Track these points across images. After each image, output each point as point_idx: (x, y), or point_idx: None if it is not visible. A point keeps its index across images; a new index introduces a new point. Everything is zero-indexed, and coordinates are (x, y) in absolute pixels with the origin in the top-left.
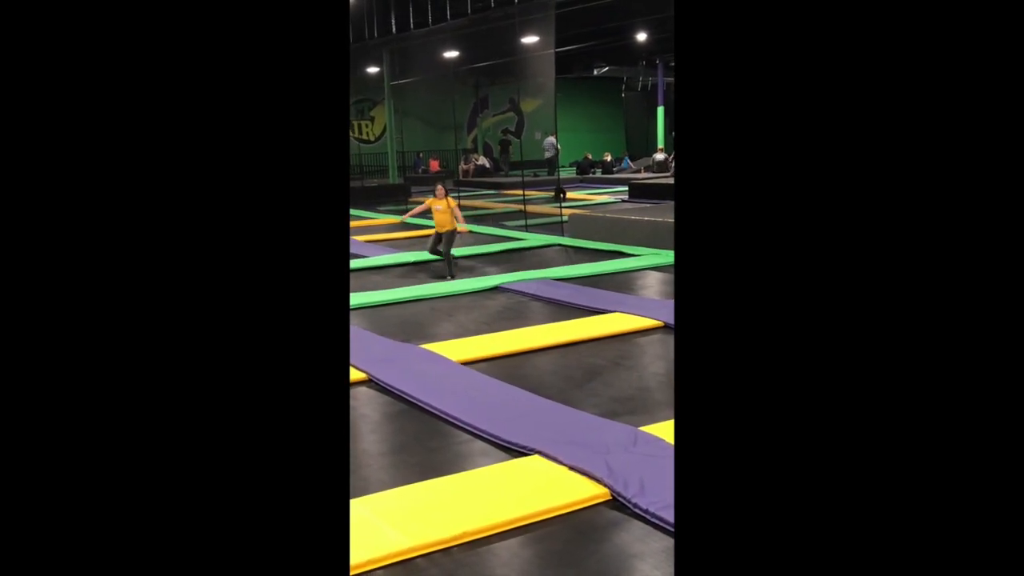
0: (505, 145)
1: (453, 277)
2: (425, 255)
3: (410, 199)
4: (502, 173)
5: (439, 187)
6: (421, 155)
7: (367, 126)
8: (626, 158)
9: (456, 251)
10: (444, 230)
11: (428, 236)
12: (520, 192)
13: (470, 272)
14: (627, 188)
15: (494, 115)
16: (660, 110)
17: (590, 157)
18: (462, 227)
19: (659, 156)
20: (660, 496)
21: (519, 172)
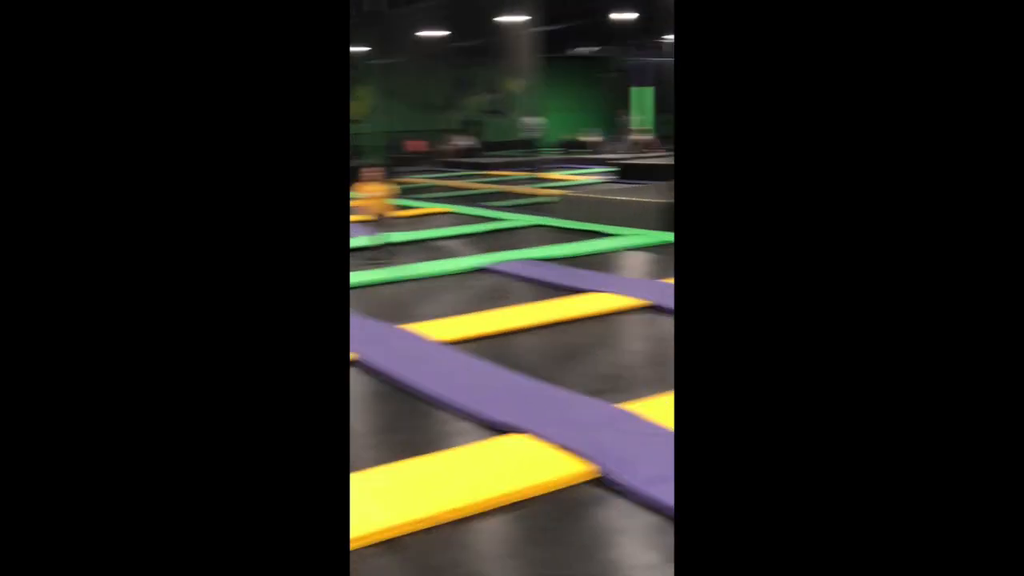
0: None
1: (388, 259)
2: (402, 235)
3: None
4: (482, 154)
5: (368, 171)
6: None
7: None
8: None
9: (439, 231)
10: (376, 212)
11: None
12: (504, 172)
13: (454, 253)
14: (615, 168)
15: (477, 95)
16: (650, 91)
17: (574, 138)
18: (390, 212)
19: (637, 136)
20: (644, 473)
21: (503, 152)
